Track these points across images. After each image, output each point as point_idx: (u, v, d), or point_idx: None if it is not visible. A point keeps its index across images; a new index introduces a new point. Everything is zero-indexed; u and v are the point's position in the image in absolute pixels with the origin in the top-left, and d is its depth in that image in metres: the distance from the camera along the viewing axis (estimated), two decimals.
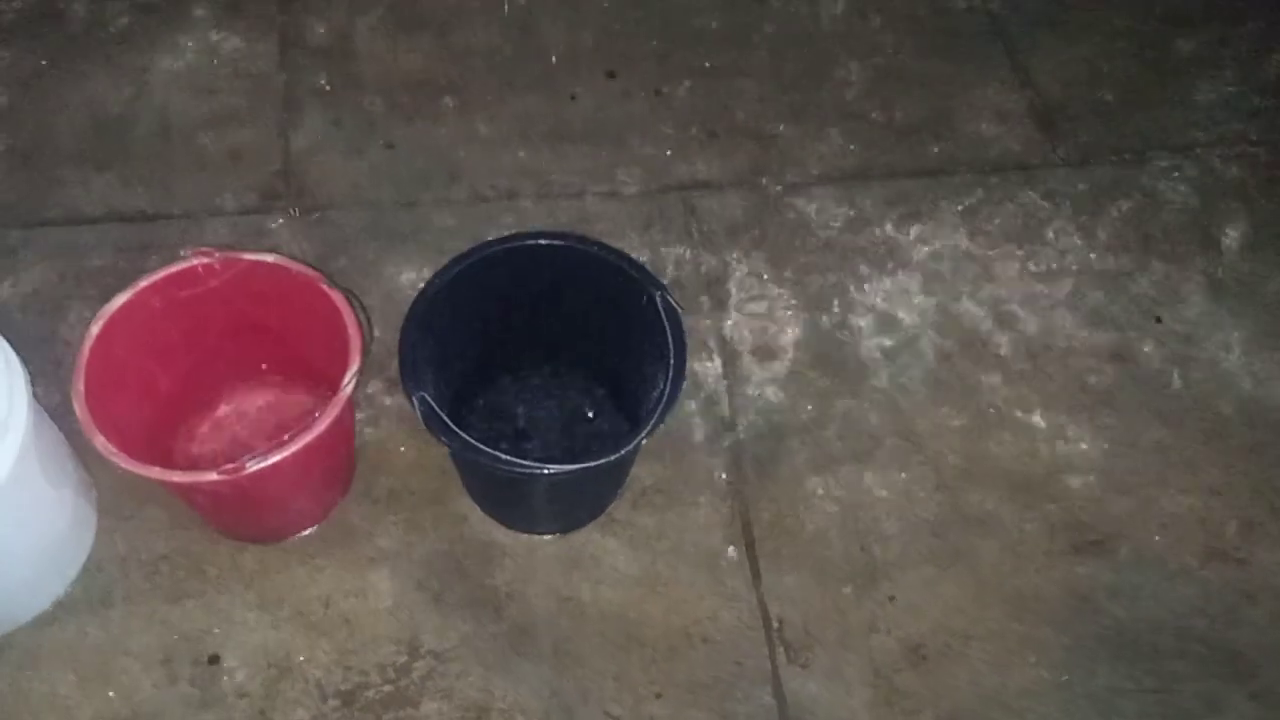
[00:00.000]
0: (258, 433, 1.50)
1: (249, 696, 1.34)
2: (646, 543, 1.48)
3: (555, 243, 1.38)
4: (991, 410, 1.63)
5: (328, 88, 1.92)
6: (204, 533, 1.45)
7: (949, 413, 1.63)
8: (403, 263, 1.71)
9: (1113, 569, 1.51)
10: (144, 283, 1.31)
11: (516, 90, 1.95)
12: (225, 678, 1.35)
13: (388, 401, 1.57)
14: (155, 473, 1.18)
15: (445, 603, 1.43)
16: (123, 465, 1.17)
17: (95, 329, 1.27)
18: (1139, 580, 1.51)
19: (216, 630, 1.39)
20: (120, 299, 1.29)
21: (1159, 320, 1.74)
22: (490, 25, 2.04)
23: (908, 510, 1.54)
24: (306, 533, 1.46)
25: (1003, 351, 1.70)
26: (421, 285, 1.58)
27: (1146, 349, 1.71)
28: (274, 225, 1.74)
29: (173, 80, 1.90)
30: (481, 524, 1.49)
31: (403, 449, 1.54)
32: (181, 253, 1.32)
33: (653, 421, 1.23)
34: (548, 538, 1.48)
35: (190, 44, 1.95)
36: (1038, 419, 1.63)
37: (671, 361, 1.26)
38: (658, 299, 1.30)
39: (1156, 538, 1.54)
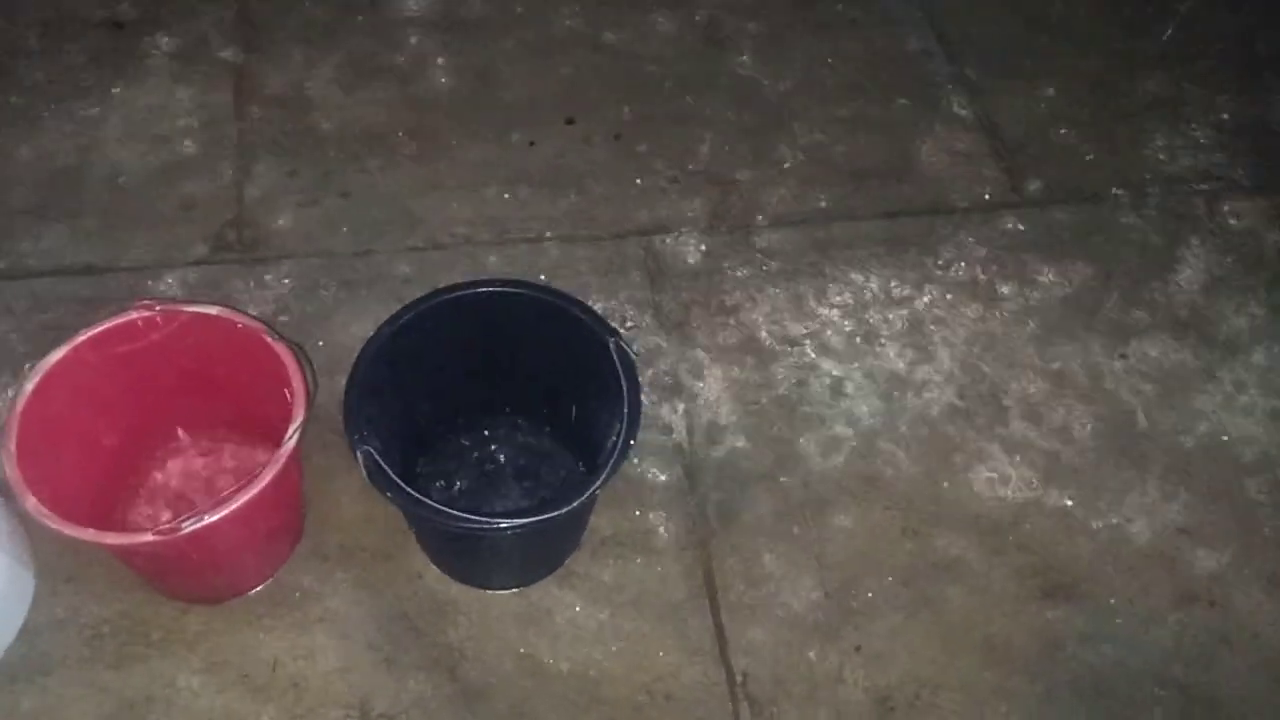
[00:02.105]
0: (208, 489, 1.45)
1: None
2: (606, 596, 1.44)
3: (507, 290, 1.35)
4: (956, 454, 1.61)
5: (283, 137, 1.90)
6: (147, 594, 1.40)
7: (913, 457, 1.60)
8: (358, 312, 1.68)
9: (1084, 614, 1.49)
10: (80, 338, 1.27)
11: (475, 137, 1.94)
12: None
13: (338, 456, 1.52)
14: (89, 534, 1.13)
15: (398, 663, 1.38)
16: (54, 528, 1.13)
17: (29, 386, 1.23)
18: (1111, 626, 1.48)
19: (160, 697, 1.33)
20: (55, 355, 1.26)
21: (1123, 357, 1.73)
22: (448, 73, 2.03)
23: (874, 557, 1.51)
24: (254, 592, 1.41)
25: (967, 394, 1.68)
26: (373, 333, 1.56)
27: (1111, 387, 1.69)
28: (226, 276, 1.70)
29: (125, 130, 1.88)
30: (436, 581, 1.45)
31: (354, 504, 1.50)
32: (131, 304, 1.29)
33: (606, 471, 1.20)
34: (504, 593, 1.44)
35: (144, 94, 1.93)
36: (1003, 462, 1.60)
37: (626, 410, 1.23)
38: (612, 346, 1.28)
39: (1127, 581, 1.51)
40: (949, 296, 1.78)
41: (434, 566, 1.45)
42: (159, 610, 1.39)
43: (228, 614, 1.39)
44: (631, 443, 1.22)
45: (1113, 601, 1.50)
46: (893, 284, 1.79)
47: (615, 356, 1.27)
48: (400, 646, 1.39)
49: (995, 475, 1.59)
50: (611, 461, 1.21)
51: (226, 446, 1.48)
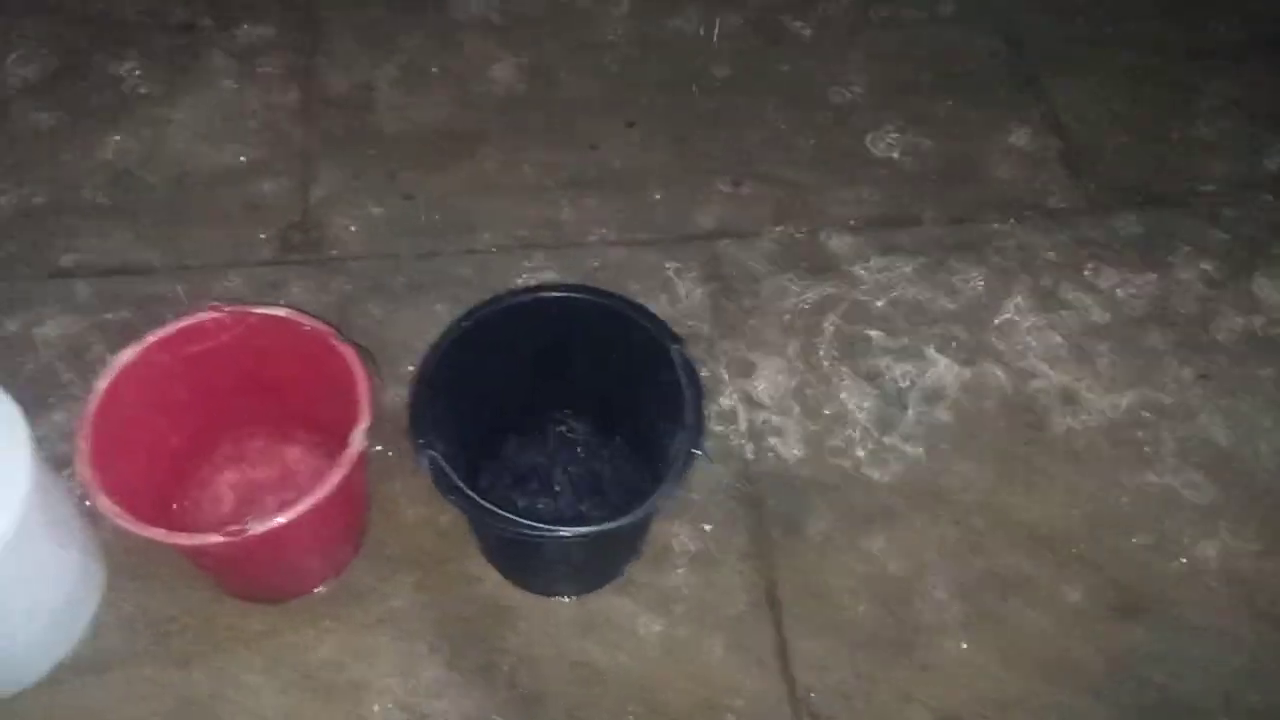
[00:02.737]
0: (269, 490, 1.46)
1: None
2: (666, 606, 1.43)
3: (572, 295, 1.34)
4: (1024, 468, 1.57)
5: (347, 139, 1.91)
6: (212, 593, 1.41)
7: (979, 470, 1.57)
8: (419, 315, 1.68)
9: (1155, 634, 1.44)
10: (152, 338, 1.28)
11: (536, 140, 1.94)
12: None
13: (402, 458, 1.53)
14: (159, 534, 1.14)
15: (458, 667, 1.38)
16: (126, 526, 1.14)
17: (101, 385, 1.24)
18: (1184, 646, 1.43)
19: (222, 695, 1.34)
20: (127, 354, 1.27)
21: (1204, 377, 1.67)
22: (510, 75, 2.03)
23: (940, 572, 1.48)
24: (316, 592, 1.42)
25: (1034, 405, 1.64)
26: (437, 338, 1.56)
27: (1186, 403, 1.65)
28: (290, 277, 1.72)
29: (192, 132, 1.90)
30: (495, 585, 1.44)
31: (416, 507, 1.50)
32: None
33: (669, 481, 1.19)
34: (563, 600, 1.43)
35: (212, 95, 1.95)
36: (1073, 476, 1.56)
37: (688, 419, 1.22)
38: (674, 353, 1.26)
39: (1201, 601, 1.47)
40: (1017, 304, 1.74)
41: (494, 571, 1.45)
42: (223, 609, 1.40)
43: (291, 614, 1.40)
44: (695, 452, 1.21)
45: (1185, 622, 1.45)
46: (959, 290, 1.75)
47: (678, 364, 1.26)
48: (460, 650, 1.39)
49: (1065, 491, 1.55)
50: (674, 471, 1.19)
51: (289, 448, 1.49)
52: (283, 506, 1.16)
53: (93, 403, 1.23)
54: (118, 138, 1.89)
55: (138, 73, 1.98)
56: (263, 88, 1.97)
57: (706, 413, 1.24)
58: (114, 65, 1.99)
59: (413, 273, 1.75)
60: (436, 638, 1.40)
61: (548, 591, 1.42)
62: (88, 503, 1.37)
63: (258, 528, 1.12)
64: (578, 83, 2.02)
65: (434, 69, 2.02)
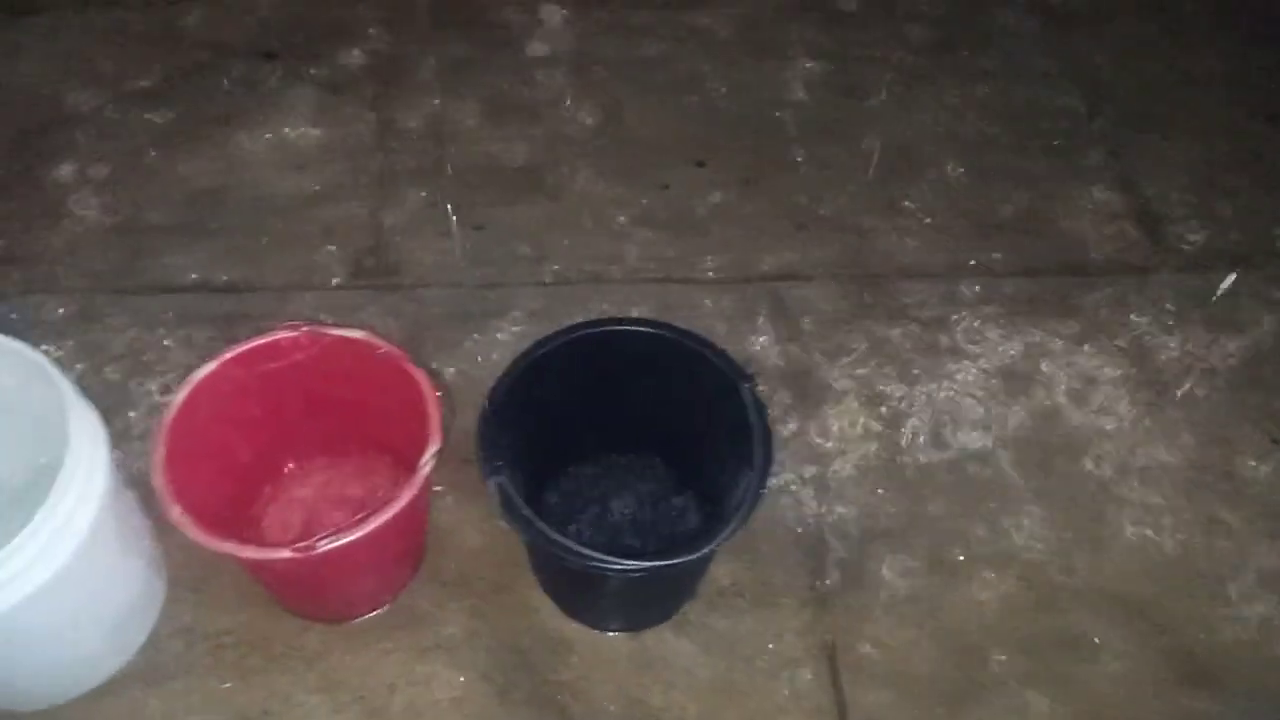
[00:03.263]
0: (331, 510, 1.47)
1: None
2: (722, 647, 1.41)
3: (640, 329, 1.35)
4: (1095, 525, 1.54)
5: (421, 169, 1.95)
6: (271, 609, 1.42)
7: (1049, 526, 1.54)
8: (486, 344, 1.70)
9: (1223, 704, 1.39)
10: (229, 354, 1.31)
11: (606, 177, 1.96)
12: None
13: (461, 484, 1.53)
14: (228, 547, 1.15)
15: (510, 698, 1.37)
16: (196, 539, 1.15)
17: (179, 398, 1.26)
18: (1256, 718, 1.38)
19: (276, 712, 1.34)
20: (205, 369, 1.29)
21: (1276, 443, 1.63)
22: (582, 112, 2.06)
23: (1004, 628, 1.44)
24: (374, 614, 1.42)
25: (1104, 463, 1.61)
26: (504, 367, 1.57)
27: (1263, 469, 1.60)
28: (361, 301, 1.74)
29: (272, 157, 1.95)
30: (551, 616, 1.44)
31: (474, 533, 1.50)
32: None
33: (734, 522, 1.18)
34: (619, 635, 1.42)
35: (291, 122, 2.00)
36: (1147, 535, 1.53)
37: (757, 459, 1.21)
38: (744, 391, 1.26)
39: (1272, 673, 1.42)
40: (1089, 360, 1.72)
41: (550, 601, 1.44)
42: (281, 625, 1.41)
43: (347, 634, 1.40)
44: (762, 492, 1.20)
45: (1255, 693, 1.40)
46: (1030, 343, 1.73)
47: (747, 402, 1.25)
48: (513, 680, 1.38)
49: (1138, 552, 1.51)
50: (739, 514, 1.18)
51: (354, 469, 1.50)
52: (346, 525, 1.16)
53: (169, 414, 1.25)
54: (199, 159, 1.94)
55: (222, 97, 2.03)
56: (341, 116, 2.02)
57: (773, 453, 1.22)
58: (198, 89, 2.05)
59: (480, 302, 1.76)
60: (490, 667, 1.39)
61: (603, 626, 1.41)
62: (146, 516, 1.39)
63: (327, 544, 1.13)
64: (650, 123, 2.05)
65: (509, 105, 2.06)
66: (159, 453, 1.21)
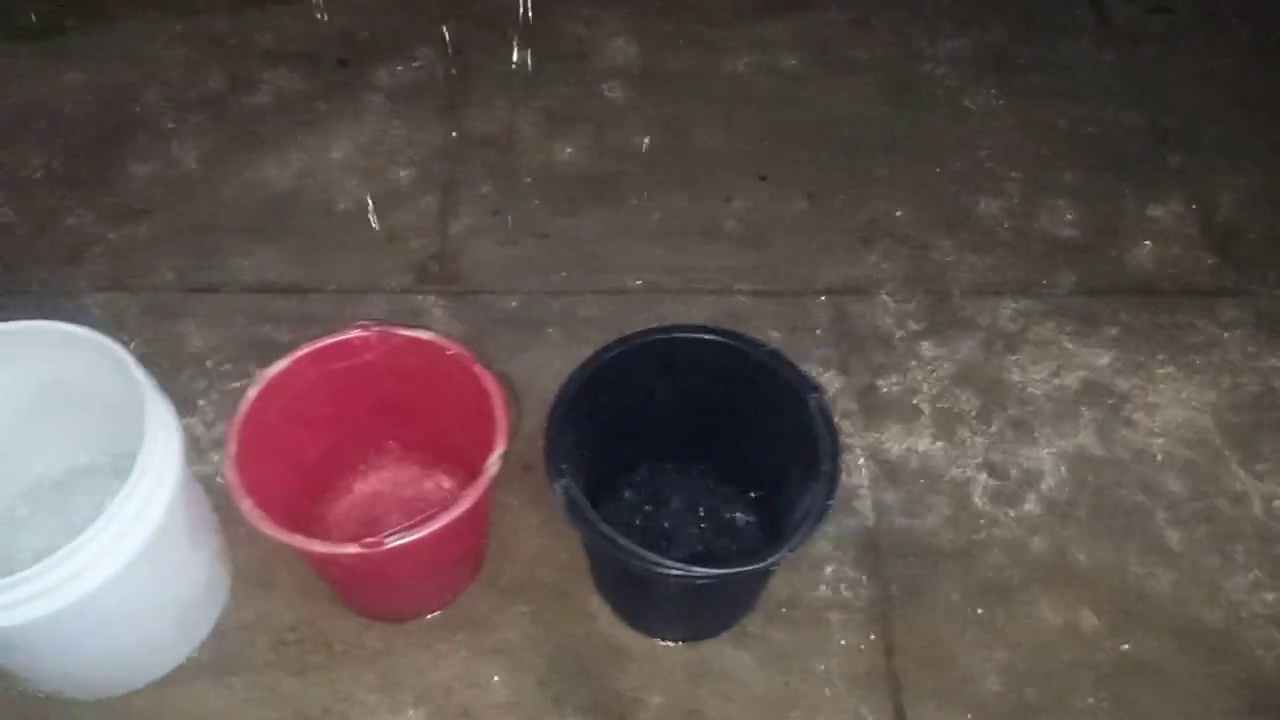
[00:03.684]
0: (392, 510, 1.48)
1: None
2: (781, 661, 1.40)
3: (707, 336, 1.34)
4: (1163, 551, 1.51)
5: (487, 177, 1.96)
6: (332, 606, 1.43)
7: (1116, 550, 1.51)
8: (546, 351, 1.70)
9: None
10: (301, 351, 1.32)
11: (668, 189, 1.96)
12: None
13: (521, 490, 1.54)
14: (298, 541, 1.17)
15: (566, 704, 1.36)
16: (267, 532, 1.17)
17: (252, 394, 1.28)
18: None
19: (336, 710, 1.35)
20: (278, 366, 1.31)
21: None
22: (646, 124, 2.06)
23: (1067, 652, 1.41)
24: (433, 615, 1.42)
25: (1174, 487, 1.57)
26: (565, 373, 1.57)
27: None
28: (426, 306, 1.76)
29: (340, 161, 1.98)
30: (608, 624, 1.43)
31: (533, 539, 1.50)
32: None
33: (800, 535, 1.17)
34: (676, 645, 1.41)
35: (360, 127, 2.03)
36: (1214, 563, 1.49)
37: (824, 471, 1.20)
38: (812, 403, 1.25)
39: None
40: (1158, 383, 1.69)
41: (608, 609, 1.44)
42: (342, 623, 1.42)
43: (407, 634, 1.41)
44: (827, 510, 1.19)
45: None
46: (1097, 364, 1.71)
47: (816, 414, 1.24)
48: (570, 687, 1.38)
49: (1207, 578, 1.48)
50: (806, 527, 1.17)
51: (419, 469, 1.51)
52: (416, 525, 1.17)
53: (242, 410, 1.27)
54: (271, 163, 1.97)
55: (294, 102, 2.07)
56: (410, 124, 2.04)
57: (841, 467, 1.21)
58: (271, 95, 2.09)
59: (543, 309, 1.77)
60: (548, 672, 1.39)
61: (662, 635, 1.40)
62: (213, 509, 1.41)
63: (394, 541, 1.14)
64: (714, 136, 2.05)
65: (574, 115, 2.07)
66: (232, 447, 1.23)
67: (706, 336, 1.33)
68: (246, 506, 1.18)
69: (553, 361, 1.69)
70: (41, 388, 1.34)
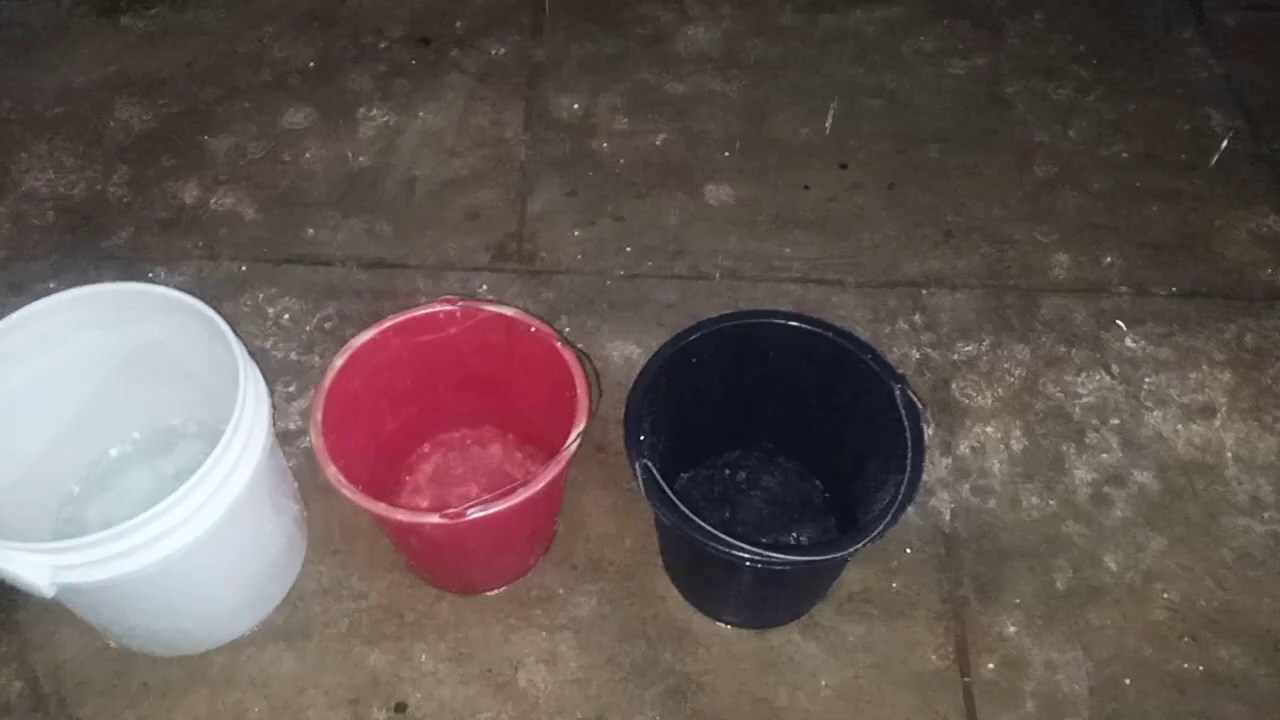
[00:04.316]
0: (464, 484, 1.50)
1: None
2: (850, 653, 1.39)
3: (791, 323, 1.33)
4: (1244, 560, 1.46)
5: (566, 159, 1.97)
6: (405, 576, 1.45)
7: (1199, 556, 1.47)
8: (621, 332, 1.71)
9: None
10: (388, 323, 1.34)
11: (747, 175, 1.95)
12: None
13: (593, 470, 1.54)
14: (381, 509, 1.18)
15: (635, 684, 1.37)
16: (351, 498, 1.18)
17: (338, 362, 1.30)
18: None
19: (406, 678, 1.37)
20: (364, 336, 1.33)
21: None
22: (726, 110, 2.05)
23: (1145, 658, 1.38)
24: (503, 589, 1.44)
25: (1261, 494, 1.53)
26: (638, 356, 1.58)
27: None
28: (503, 284, 1.77)
29: (422, 140, 1.99)
30: (677, 607, 1.43)
31: (604, 519, 1.51)
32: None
33: (882, 526, 1.15)
34: (745, 631, 1.40)
35: (442, 107, 2.05)
36: None
37: (909, 464, 1.18)
38: (897, 393, 1.23)
39: None
40: (1243, 388, 1.64)
41: (677, 592, 1.44)
42: (414, 594, 1.44)
43: (477, 607, 1.42)
44: (910, 502, 1.17)
45: None
46: (1187, 367, 1.66)
47: (900, 405, 1.23)
48: (638, 667, 1.38)
49: None
50: (888, 518, 1.16)
51: (494, 445, 1.52)
52: (496, 498, 1.18)
53: (328, 378, 1.29)
54: (353, 139, 2.00)
55: (377, 80, 2.09)
56: (491, 104, 2.05)
57: (925, 460, 1.19)
58: (357, 72, 2.11)
59: (618, 292, 1.77)
60: (617, 651, 1.39)
61: (731, 620, 1.40)
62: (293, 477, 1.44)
63: (476, 512, 1.15)
64: (795, 123, 2.03)
65: (654, 100, 2.07)
66: (318, 414, 1.25)
67: (791, 323, 1.32)
68: (331, 472, 1.20)
69: (626, 343, 1.70)
70: (135, 350, 1.37)
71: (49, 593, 1.12)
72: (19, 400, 1.32)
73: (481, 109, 2.05)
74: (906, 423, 1.21)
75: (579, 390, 1.27)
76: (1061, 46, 2.17)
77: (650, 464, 1.19)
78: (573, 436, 1.23)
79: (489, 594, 1.43)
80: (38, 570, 1.10)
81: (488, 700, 1.35)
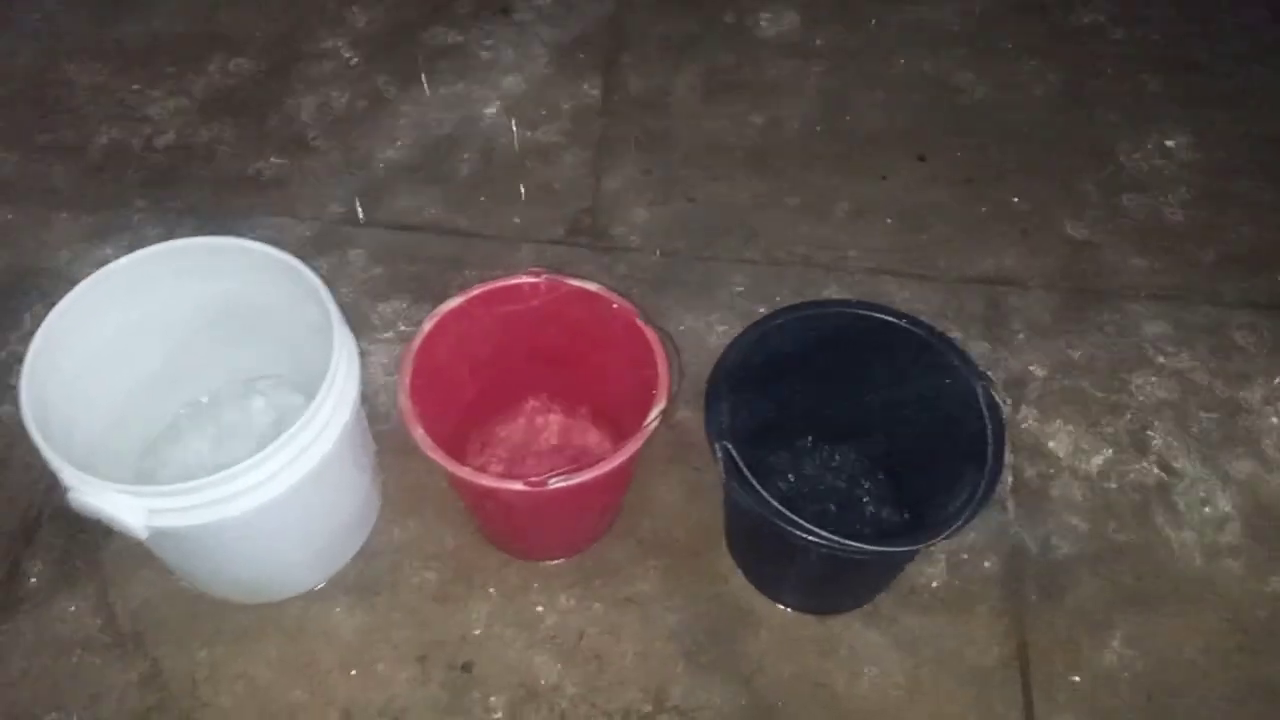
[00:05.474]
0: (532, 456, 1.52)
1: (495, 712, 1.34)
2: (911, 645, 1.40)
3: (876, 314, 1.33)
4: None
5: (641, 137, 1.97)
6: (474, 540, 1.48)
7: (1263, 571, 1.46)
8: (690, 313, 1.72)
9: None
10: (475, 291, 1.35)
11: (823, 163, 1.95)
12: (475, 689, 1.36)
13: (661, 447, 1.55)
14: (465, 473, 1.20)
15: (695, 661, 1.39)
16: (438, 461, 1.21)
17: (427, 327, 1.32)
18: None
19: (472, 640, 1.40)
20: (452, 303, 1.34)
21: None
22: (803, 95, 2.05)
23: (1204, 669, 1.39)
24: (568, 560, 1.46)
25: None
26: (709, 337, 1.58)
27: None
28: (575, 259, 1.78)
29: (502, 112, 2.01)
30: (740, 589, 1.45)
31: (670, 497, 1.53)
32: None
33: (960, 521, 1.16)
34: (807, 616, 1.42)
35: (521, 80, 2.06)
36: None
37: (989, 463, 1.19)
38: (980, 393, 1.24)
39: None
40: None
41: (740, 573, 1.45)
42: (483, 557, 1.46)
43: (544, 575, 1.45)
44: (989, 500, 1.17)
45: None
46: (1259, 382, 1.65)
47: (984, 403, 1.23)
48: (700, 645, 1.40)
49: None
50: (966, 514, 1.16)
51: (563, 418, 1.54)
52: (577, 469, 1.19)
53: (416, 341, 1.31)
54: (433, 106, 2.01)
55: (458, 48, 2.11)
56: (570, 78, 2.06)
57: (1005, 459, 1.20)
58: (437, 39, 2.13)
59: (688, 273, 1.78)
60: (678, 628, 1.41)
61: (794, 605, 1.42)
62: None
63: (558, 483, 1.17)
64: (873, 112, 2.02)
65: (732, 83, 2.07)
66: (406, 377, 1.27)
67: (878, 314, 1.32)
68: (419, 434, 1.22)
69: (697, 325, 1.71)
70: (225, 303, 1.40)
71: (143, 535, 1.15)
72: (111, 346, 1.35)
73: (560, 82, 2.06)
74: (989, 422, 1.21)
75: (660, 369, 1.29)
76: (1145, 49, 2.14)
77: (730, 446, 1.20)
78: (654, 414, 1.24)
79: (555, 563, 1.46)
80: (135, 513, 1.14)
81: (551, 666, 1.38)
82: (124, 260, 1.30)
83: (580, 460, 1.45)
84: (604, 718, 1.34)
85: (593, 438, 1.53)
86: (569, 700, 1.35)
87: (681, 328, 1.70)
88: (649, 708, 1.35)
